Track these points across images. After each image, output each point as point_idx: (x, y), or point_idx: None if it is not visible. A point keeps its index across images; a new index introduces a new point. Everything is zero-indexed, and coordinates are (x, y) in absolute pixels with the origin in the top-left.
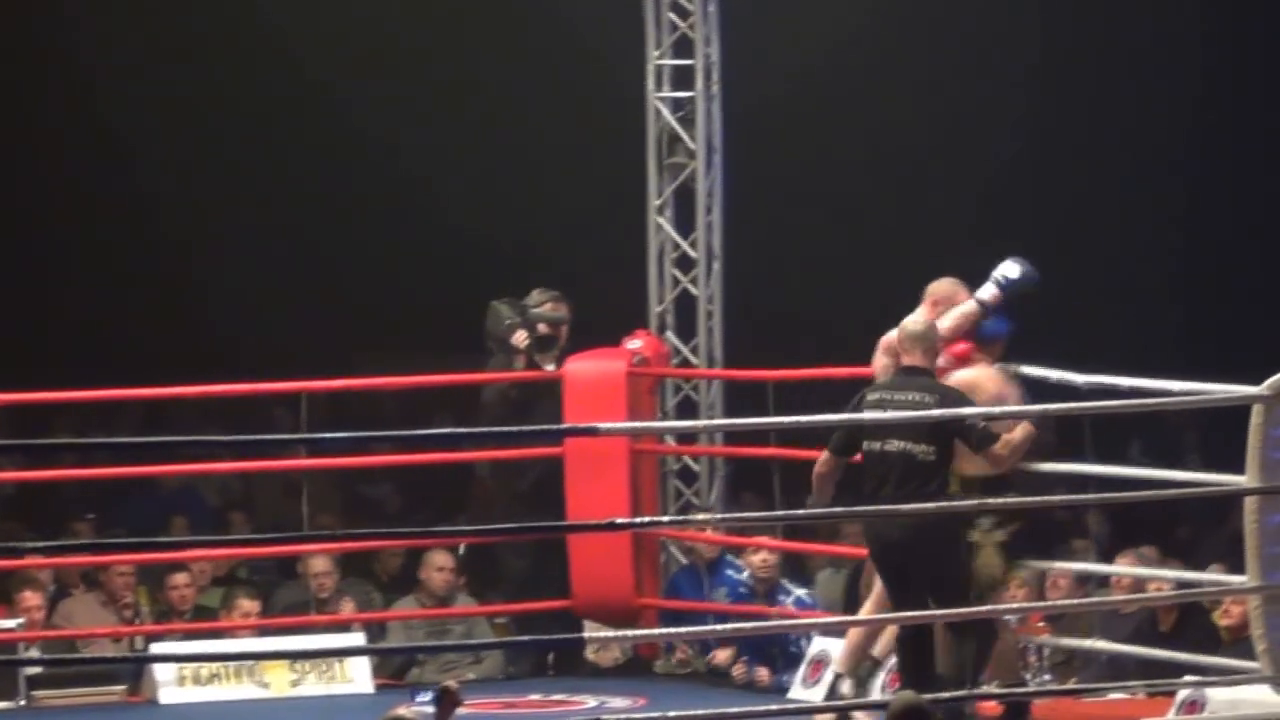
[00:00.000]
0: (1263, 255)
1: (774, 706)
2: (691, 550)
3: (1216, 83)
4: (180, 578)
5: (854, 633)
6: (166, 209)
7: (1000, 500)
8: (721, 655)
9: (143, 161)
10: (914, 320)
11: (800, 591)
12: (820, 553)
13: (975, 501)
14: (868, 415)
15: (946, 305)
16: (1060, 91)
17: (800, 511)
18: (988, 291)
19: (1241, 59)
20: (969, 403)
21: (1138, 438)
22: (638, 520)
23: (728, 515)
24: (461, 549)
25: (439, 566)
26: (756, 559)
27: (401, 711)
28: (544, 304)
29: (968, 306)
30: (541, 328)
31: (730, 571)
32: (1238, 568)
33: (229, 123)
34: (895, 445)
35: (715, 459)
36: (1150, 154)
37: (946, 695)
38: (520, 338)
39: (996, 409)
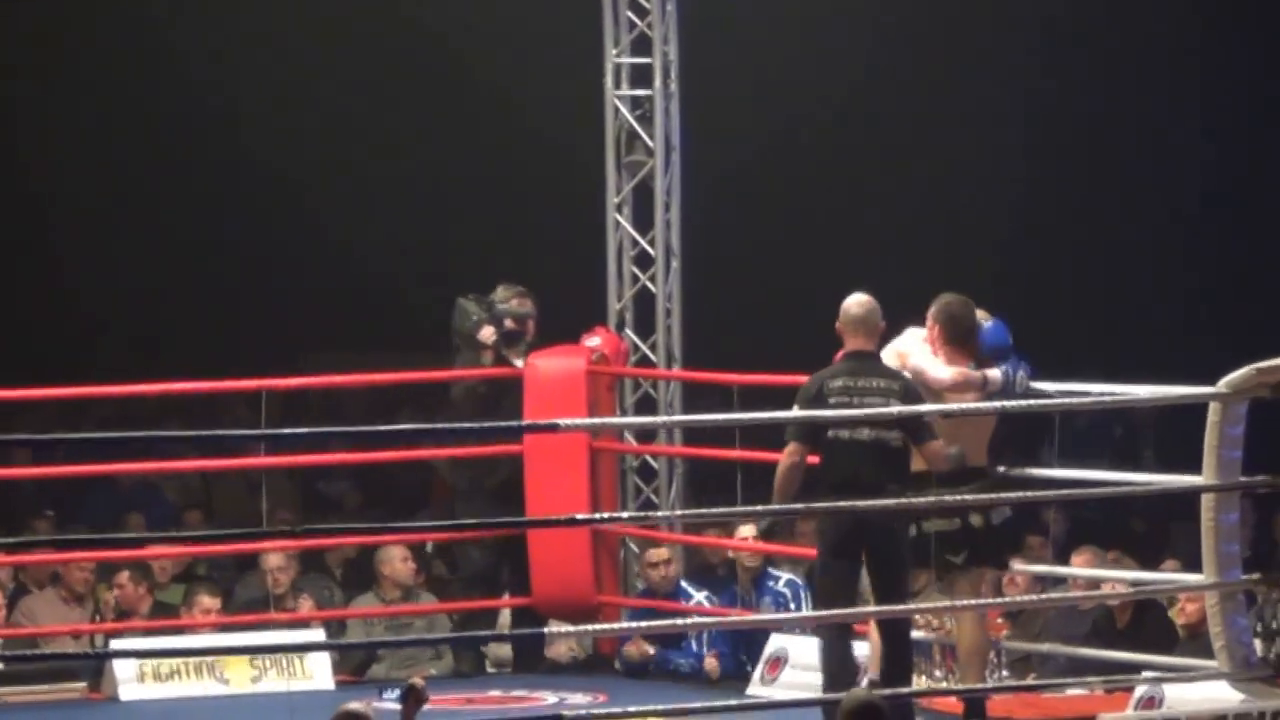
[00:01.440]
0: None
1: (733, 702)
2: (651, 584)
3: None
4: (122, 576)
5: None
6: (128, 208)
7: (974, 497)
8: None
9: (108, 157)
10: (856, 302)
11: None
12: (780, 553)
13: (930, 496)
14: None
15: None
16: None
17: (773, 507)
18: (997, 377)
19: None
20: (918, 388)
21: (1049, 439)
22: (597, 516)
23: (702, 512)
24: (429, 548)
25: (402, 558)
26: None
27: (354, 706)
28: (510, 299)
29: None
30: (508, 323)
31: (685, 601)
32: (1192, 565)
33: (192, 122)
34: (867, 434)
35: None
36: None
37: (906, 691)
38: (487, 334)
39: (959, 405)
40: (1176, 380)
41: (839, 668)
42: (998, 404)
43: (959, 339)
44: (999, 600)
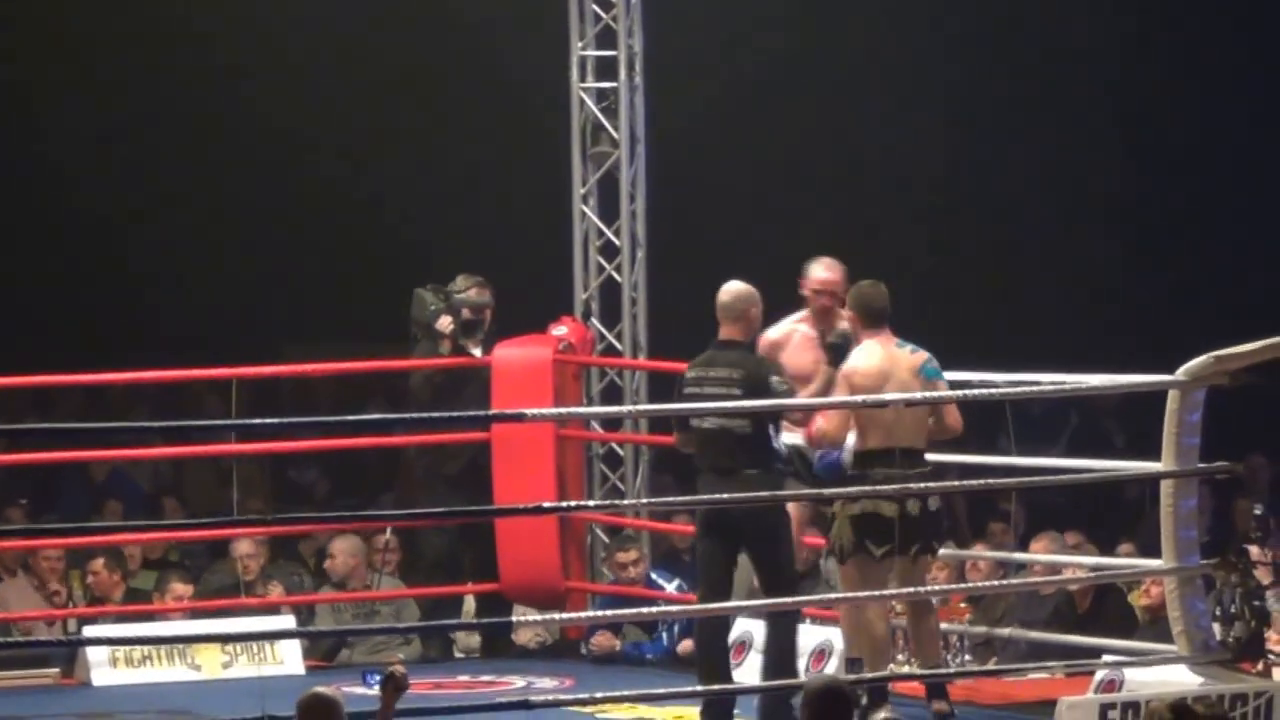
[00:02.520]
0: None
1: (699, 687)
2: (622, 582)
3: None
4: (96, 563)
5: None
6: (101, 200)
7: (940, 485)
8: (601, 640)
9: (79, 151)
10: (726, 290)
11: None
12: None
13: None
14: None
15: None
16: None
17: (719, 496)
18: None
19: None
20: (772, 369)
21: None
22: (564, 504)
23: (668, 500)
24: (388, 533)
25: (340, 550)
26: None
27: (320, 690)
28: (468, 289)
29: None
30: (466, 313)
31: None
32: (1150, 551)
33: (165, 117)
34: (712, 423)
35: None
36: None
37: (871, 677)
38: (445, 323)
39: (915, 394)
40: (1131, 368)
41: (709, 659)
42: (957, 393)
43: (872, 320)
44: (968, 585)
